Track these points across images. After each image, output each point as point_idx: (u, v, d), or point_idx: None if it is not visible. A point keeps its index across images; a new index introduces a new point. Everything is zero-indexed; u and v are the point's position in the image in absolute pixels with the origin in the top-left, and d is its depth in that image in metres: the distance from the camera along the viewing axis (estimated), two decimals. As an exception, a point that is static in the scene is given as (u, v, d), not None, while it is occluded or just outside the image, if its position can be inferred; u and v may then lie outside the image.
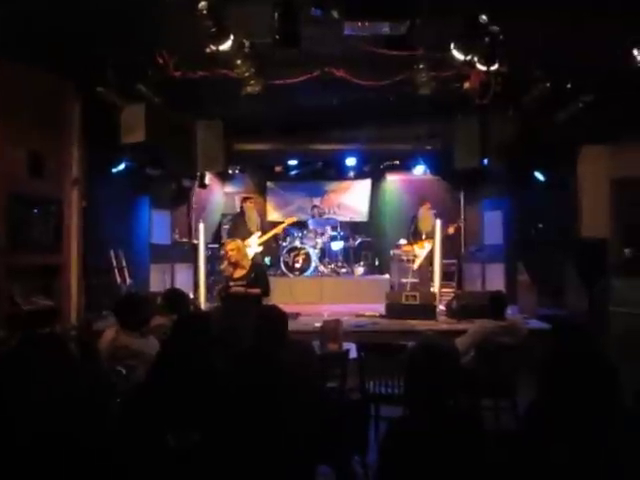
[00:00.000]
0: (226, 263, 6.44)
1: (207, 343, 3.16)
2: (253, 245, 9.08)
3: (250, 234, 9.17)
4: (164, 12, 4.92)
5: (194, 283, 9.75)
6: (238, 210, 10.52)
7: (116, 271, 8.63)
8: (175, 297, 5.14)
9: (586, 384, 2.15)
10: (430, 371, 2.45)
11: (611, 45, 5.85)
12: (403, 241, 10.29)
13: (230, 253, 6.31)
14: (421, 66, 6.65)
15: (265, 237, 9.40)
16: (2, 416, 2.15)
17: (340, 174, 12.28)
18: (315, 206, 11.81)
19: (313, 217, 11.66)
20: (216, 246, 10.90)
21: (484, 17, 5.24)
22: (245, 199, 9.96)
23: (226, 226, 11.75)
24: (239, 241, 6.78)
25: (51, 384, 2.20)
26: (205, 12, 4.99)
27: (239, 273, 6.26)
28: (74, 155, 7.30)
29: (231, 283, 6.26)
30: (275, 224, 10.62)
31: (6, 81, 6.21)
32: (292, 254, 10.83)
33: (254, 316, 3.77)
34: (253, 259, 7.02)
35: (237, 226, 9.55)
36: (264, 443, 2.47)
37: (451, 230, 9.70)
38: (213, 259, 10.26)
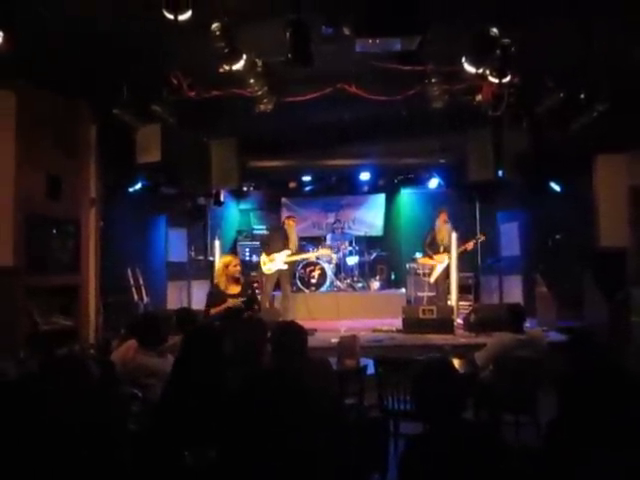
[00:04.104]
0: (224, 279, 6.13)
1: (218, 358, 3.13)
2: (279, 260, 9.12)
3: (281, 250, 9.20)
4: (177, 34, 4.98)
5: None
6: (280, 225, 10.25)
7: (133, 289, 8.69)
8: (185, 316, 5.15)
9: (608, 399, 2.11)
10: (433, 389, 2.46)
11: (625, 53, 5.82)
12: (419, 255, 10.24)
13: (233, 269, 6.11)
14: (433, 80, 6.64)
15: (295, 257, 9.43)
16: (22, 439, 2.16)
17: (354, 189, 12.30)
18: (338, 220, 11.80)
19: (333, 232, 11.62)
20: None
21: (495, 30, 5.24)
22: (288, 217, 9.98)
23: (242, 242, 11.81)
24: (238, 257, 6.76)
25: (70, 408, 2.21)
26: (218, 33, 5.07)
27: (235, 289, 6.11)
28: (91, 176, 7.41)
29: (229, 300, 5.99)
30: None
31: (23, 105, 6.34)
32: (307, 269, 10.80)
33: (244, 331, 3.77)
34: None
35: (272, 240, 9.54)
36: (282, 461, 2.45)
37: (470, 246, 9.59)
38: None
